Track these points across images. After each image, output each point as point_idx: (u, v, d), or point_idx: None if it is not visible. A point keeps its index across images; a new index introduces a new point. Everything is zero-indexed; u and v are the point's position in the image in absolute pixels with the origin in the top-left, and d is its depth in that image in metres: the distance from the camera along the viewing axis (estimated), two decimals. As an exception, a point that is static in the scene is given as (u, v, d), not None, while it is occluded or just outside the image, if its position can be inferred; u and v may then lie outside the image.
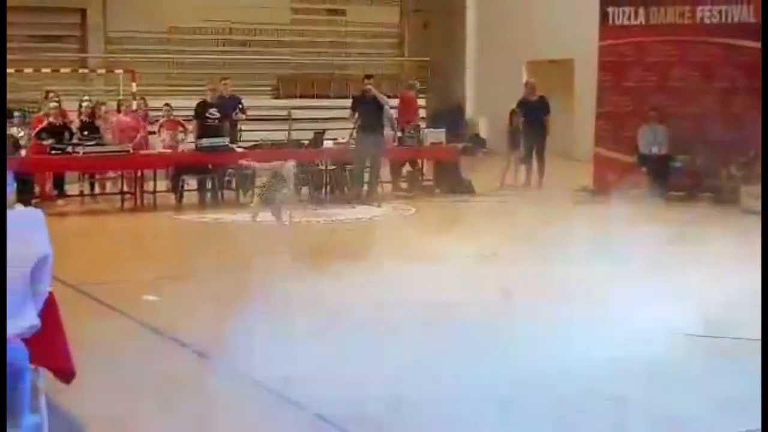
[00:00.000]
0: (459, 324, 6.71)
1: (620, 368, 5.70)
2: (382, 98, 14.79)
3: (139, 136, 14.87)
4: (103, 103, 16.08)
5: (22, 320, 2.47)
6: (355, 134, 14.73)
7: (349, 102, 15.69)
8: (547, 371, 5.64)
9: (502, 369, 5.67)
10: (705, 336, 6.59)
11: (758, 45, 13.74)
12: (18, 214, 2.52)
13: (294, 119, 19.62)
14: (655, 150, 14.57)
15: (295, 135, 18.10)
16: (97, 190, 15.03)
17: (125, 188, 14.23)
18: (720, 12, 14.41)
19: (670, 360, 5.96)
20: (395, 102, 16.51)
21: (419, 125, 16.57)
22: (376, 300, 7.13)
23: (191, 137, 14.90)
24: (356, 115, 14.70)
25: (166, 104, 15.59)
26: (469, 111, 23.87)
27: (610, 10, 15.31)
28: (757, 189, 13.08)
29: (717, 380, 5.69)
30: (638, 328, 6.54)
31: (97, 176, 14.85)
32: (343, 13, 24.08)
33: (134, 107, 16.37)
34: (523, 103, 16.61)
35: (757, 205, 12.91)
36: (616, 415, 5.07)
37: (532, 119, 16.26)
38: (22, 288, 2.43)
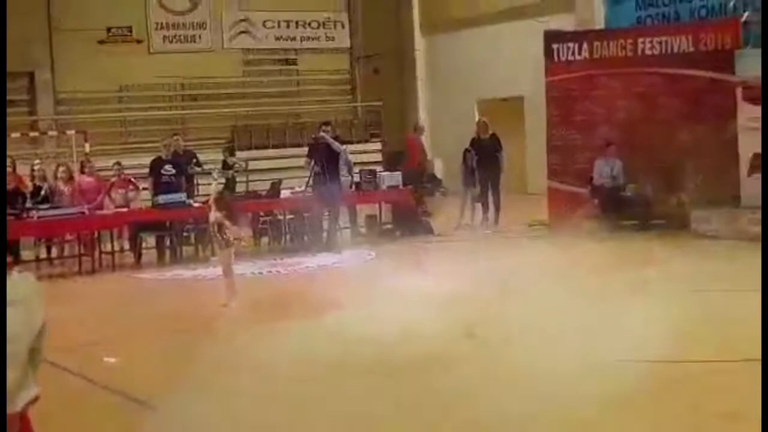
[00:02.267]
0: (423, 372, 6.78)
1: (574, 397, 5.79)
2: (336, 145, 14.90)
3: (99, 197, 14.83)
4: (63, 164, 15.91)
5: (29, 391, 2.44)
6: (311, 182, 14.81)
7: (304, 150, 15.79)
8: (507, 408, 5.71)
9: (458, 411, 5.72)
10: (657, 361, 6.67)
11: (699, 73, 14.15)
12: (22, 281, 2.51)
13: (250, 170, 19.68)
14: (609, 182, 14.80)
15: (252, 186, 18.15)
16: (54, 253, 14.93)
17: (82, 250, 14.16)
18: (660, 43, 14.74)
19: (621, 387, 6.04)
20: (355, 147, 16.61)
21: (374, 170, 16.68)
22: (340, 354, 7.16)
23: (143, 195, 14.87)
24: (312, 162, 14.79)
25: (117, 163, 15.58)
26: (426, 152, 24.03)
27: (554, 46, 15.60)
28: (705, 213, 13.36)
29: (669, 405, 5.79)
30: (591, 358, 6.63)
31: (55, 239, 14.76)
32: (294, 62, 24.26)
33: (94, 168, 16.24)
34: (475, 142, 16.78)
35: (706, 228, 13.21)
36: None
37: (485, 157, 16.44)
38: (26, 358, 2.41)
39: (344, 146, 15.61)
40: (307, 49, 24.16)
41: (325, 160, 14.58)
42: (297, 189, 15.45)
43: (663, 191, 13.99)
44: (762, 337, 5.10)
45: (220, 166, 17.52)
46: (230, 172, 17.00)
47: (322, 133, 14.93)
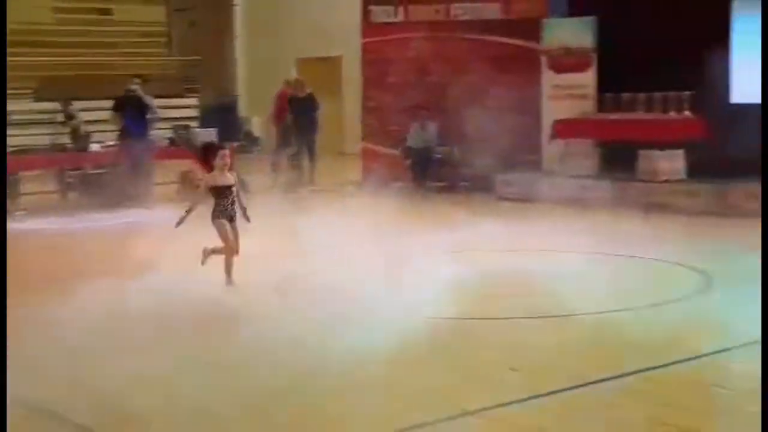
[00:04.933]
0: (217, 328, 6.86)
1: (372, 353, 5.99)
2: (148, 98, 14.62)
3: None
4: None
5: None
6: (119, 136, 14.50)
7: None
8: (301, 364, 5.87)
9: (246, 369, 5.83)
10: (457, 318, 6.97)
11: (506, 40, 14.71)
12: None
13: (58, 122, 19.01)
14: (420, 145, 15.16)
15: (59, 138, 17.55)
16: None
17: None
18: (471, 9, 15.19)
19: (418, 342, 6.30)
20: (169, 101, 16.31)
21: (188, 125, 16.49)
22: (137, 309, 7.14)
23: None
24: (120, 116, 14.45)
25: None
26: (243, 109, 23.91)
27: (371, 8, 15.82)
28: (508, 176, 13.96)
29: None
30: (389, 313, 6.87)
31: None
32: (109, 12, 23.52)
33: None
34: (292, 101, 16.83)
35: (509, 191, 13.80)
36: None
37: (301, 116, 16.50)
38: None
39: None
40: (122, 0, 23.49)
41: (136, 114, 14.30)
42: (108, 143, 15.11)
43: (470, 154, 14.48)
44: (762, 336, 5.34)
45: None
46: (75, 122, 16.31)
47: (134, 86, 14.62)
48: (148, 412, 4.97)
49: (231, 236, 7.95)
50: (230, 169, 8.11)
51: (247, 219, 8.10)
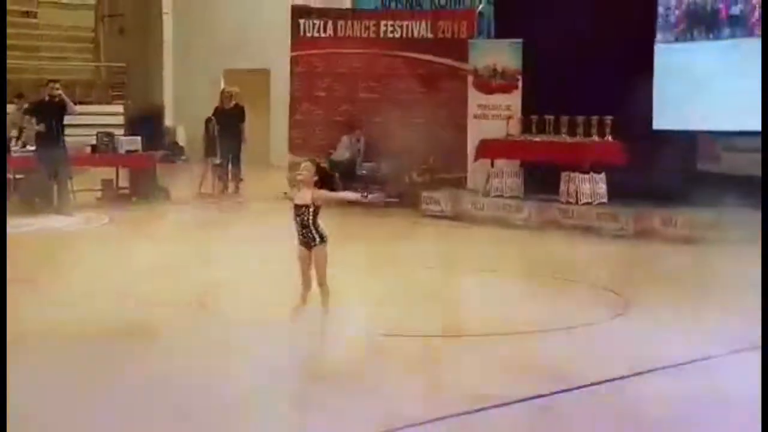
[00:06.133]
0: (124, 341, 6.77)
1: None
2: (71, 104, 14.38)
3: None
4: None
5: None
6: (35, 141, 14.24)
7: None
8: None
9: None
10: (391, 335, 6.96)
11: (436, 59, 14.87)
12: None
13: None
14: (346, 160, 15.16)
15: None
16: None
17: None
18: (401, 27, 15.30)
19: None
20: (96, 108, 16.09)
21: (112, 133, 16.31)
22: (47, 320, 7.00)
23: None
24: (35, 121, 14.18)
25: None
26: (169, 118, 23.69)
27: (301, 21, 15.85)
28: (434, 194, 14.05)
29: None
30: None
31: None
32: (34, 15, 23.13)
33: None
34: (218, 111, 16.72)
35: (434, 208, 13.91)
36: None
37: (228, 127, 16.41)
38: None
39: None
40: (48, 2, 23.11)
41: (55, 119, 14.07)
42: (30, 147, 14.83)
43: (397, 171, 14.56)
44: (762, 335, 5.34)
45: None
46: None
47: (58, 91, 14.34)
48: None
49: (304, 265, 6.96)
50: (317, 187, 6.91)
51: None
